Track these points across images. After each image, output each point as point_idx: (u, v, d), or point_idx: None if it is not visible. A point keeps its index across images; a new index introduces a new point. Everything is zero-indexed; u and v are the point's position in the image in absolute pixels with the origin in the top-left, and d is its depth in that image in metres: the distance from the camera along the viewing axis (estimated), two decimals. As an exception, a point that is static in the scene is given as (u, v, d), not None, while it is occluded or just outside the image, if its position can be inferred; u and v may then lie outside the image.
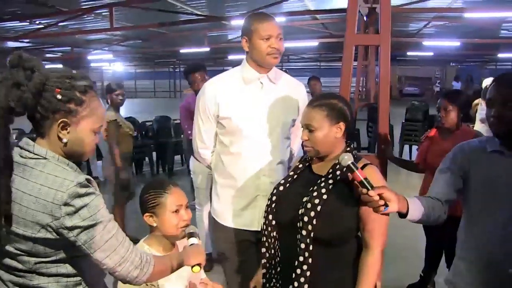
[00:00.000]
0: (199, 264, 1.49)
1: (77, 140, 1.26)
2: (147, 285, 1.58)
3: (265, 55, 1.96)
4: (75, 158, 1.30)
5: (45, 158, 1.23)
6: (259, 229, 2.01)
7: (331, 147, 1.66)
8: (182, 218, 1.65)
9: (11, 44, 12.61)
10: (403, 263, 3.83)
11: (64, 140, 1.24)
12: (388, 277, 3.35)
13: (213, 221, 2.21)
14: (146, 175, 7.63)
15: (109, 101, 4.27)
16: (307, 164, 1.75)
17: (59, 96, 1.20)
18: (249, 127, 2.01)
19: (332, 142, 1.64)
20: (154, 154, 7.64)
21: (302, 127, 1.69)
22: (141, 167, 7.73)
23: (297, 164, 1.78)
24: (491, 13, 7.94)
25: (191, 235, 1.60)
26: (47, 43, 13.85)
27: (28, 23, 9.46)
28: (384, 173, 2.94)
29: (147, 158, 7.60)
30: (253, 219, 2.06)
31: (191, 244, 1.56)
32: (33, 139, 1.26)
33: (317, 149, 1.65)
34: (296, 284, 1.56)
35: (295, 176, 1.74)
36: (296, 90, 2.15)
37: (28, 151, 1.23)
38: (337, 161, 1.62)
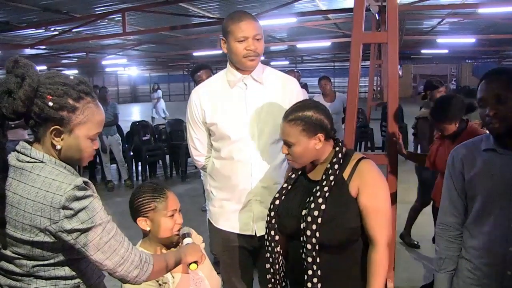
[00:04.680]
0: (196, 262, 1.51)
1: (72, 147, 1.25)
2: (160, 285, 1.60)
3: (241, 58, 1.90)
4: (72, 163, 1.29)
5: (42, 162, 1.22)
6: (253, 234, 2.02)
7: (314, 157, 1.62)
8: (176, 222, 1.65)
9: (28, 51, 12.86)
10: (416, 264, 3.78)
11: (58, 147, 1.23)
12: (401, 278, 3.31)
13: (208, 223, 2.21)
14: (160, 178, 7.69)
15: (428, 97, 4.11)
16: (299, 172, 1.71)
17: (50, 104, 1.18)
18: (236, 131, 1.96)
19: (313, 153, 1.60)
20: (167, 157, 7.69)
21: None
22: (154, 170, 7.80)
23: (289, 174, 1.74)
24: (507, 7, 7.79)
25: (185, 236, 1.62)
26: (63, 49, 14.06)
27: (43, 30, 9.62)
28: (394, 172, 2.90)
29: (160, 161, 7.66)
30: (245, 223, 2.03)
31: (186, 244, 1.58)
32: (30, 143, 1.26)
33: (299, 162, 1.62)
34: None
35: (289, 187, 1.70)
36: (285, 87, 2.05)
37: (25, 155, 1.23)
38: (329, 166, 1.59)
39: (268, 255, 1.70)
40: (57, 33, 9.28)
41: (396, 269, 3.09)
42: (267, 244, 1.70)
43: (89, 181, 1.25)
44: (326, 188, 1.55)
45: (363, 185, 1.56)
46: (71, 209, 1.17)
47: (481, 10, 8.33)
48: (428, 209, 3.18)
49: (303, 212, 1.55)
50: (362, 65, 2.93)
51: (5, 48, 10.33)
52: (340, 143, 1.65)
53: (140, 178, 7.53)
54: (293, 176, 1.71)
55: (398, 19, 2.67)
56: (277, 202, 1.69)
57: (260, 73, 2.00)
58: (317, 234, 1.50)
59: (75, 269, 1.29)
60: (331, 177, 1.56)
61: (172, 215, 1.64)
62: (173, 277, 1.60)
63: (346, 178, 1.58)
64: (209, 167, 2.14)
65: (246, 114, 1.96)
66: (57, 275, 1.26)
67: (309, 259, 1.52)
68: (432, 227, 2.94)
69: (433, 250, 2.94)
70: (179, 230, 1.66)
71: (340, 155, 1.61)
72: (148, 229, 1.63)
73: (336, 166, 1.58)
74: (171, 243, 1.69)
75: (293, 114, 1.57)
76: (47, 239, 1.19)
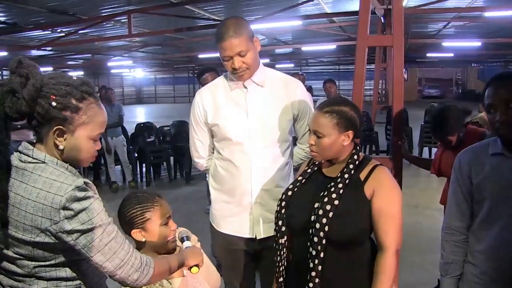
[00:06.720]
0: (197, 265, 1.50)
1: (74, 148, 1.25)
2: None
3: (231, 73, 1.94)
4: (74, 164, 1.29)
5: (43, 162, 1.22)
6: (253, 237, 2.02)
7: (337, 153, 1.65)
8: (171, 229, 1.62)
9: (34, 52, 12.94)
10: (420, 268, 3.76)
11: (60, 147, 1.23)
12: (405, 282, 3.29)
13: (210, 226, 2.20)
14: (164, 180, 7.70)
15: None
16: (315, 168, 1.74)
17: (54, 103, 1.19)
18: (237, 133, 1.96)
19: (338, 149, 1.63)
20: (171, 158, 7.71)
21: (310, 131, 1.67)
22: (159, 172, 7.81)
23: (305, 168, 1.77)
24: (513, 11, 7.75)
25: (183, 239, 1.60)
26: (69, 51, 14.13)
27: (50, 32, 9.66)
28: (399, 175, 2.89)
29: (164, 163, 7.68)
30: (246, 226, 2.03)
31: (186, 247, 1.56)
32: (33, 144, 1.26)
33: (323, 155, 1.64)
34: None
35: (304, 180, 1.72)
36: (287, 89, 2.03)
37: (27, 155, 1.23)
38: (346, 165, 1.63)
39: (275, 244, 1.70)
40: (63, 34, 9.33)
41: (400, 273, 3.07)
42: (275, 234, 1.71)
43: (90, 182, 1.25)
44: (340, 185, 1.57)
45: (379, 188, 1.58)
46: (71, 209, 1.16)
47: (487, 14, 8.29)
48: (434, 213, 3.16)
49: (316, 205, 1.57)
50: (367, 68, 2.92)
51: (12, 49, 10.40)
52: (358, 146, 1.70)
53: (144, 179, 7.54)
54: (309, 170, 1.74)
55: (403, 23, 2.67)
56: (289, 193, 1.70)
57: (261, 76, 1.99)
58: (326, 228, 1.52)
59: (77, 270, 1.28)
60: (348, 176, 1.59)
61: (167, 223, 1.60)
62: (170, 283, 1.57)
63: (362, 179, 1.60)
64: (211, 168, 2.14)
65: (247, 117, 1.97)
66: (58, 276, 1.26)
67: (313, 252, 1.54)
68: (438, 231, 2.92)
69: (439, 254, 2.94)
70: (173, 239, 1.63)
71: (359, 155, 1.65)
72: (143, 240, 1.58)
73: (354, 166, 1.62)
74: (167, 251, 1.64)
75: (330, 107, 1.60)
76: (48, 239, 1.19)
